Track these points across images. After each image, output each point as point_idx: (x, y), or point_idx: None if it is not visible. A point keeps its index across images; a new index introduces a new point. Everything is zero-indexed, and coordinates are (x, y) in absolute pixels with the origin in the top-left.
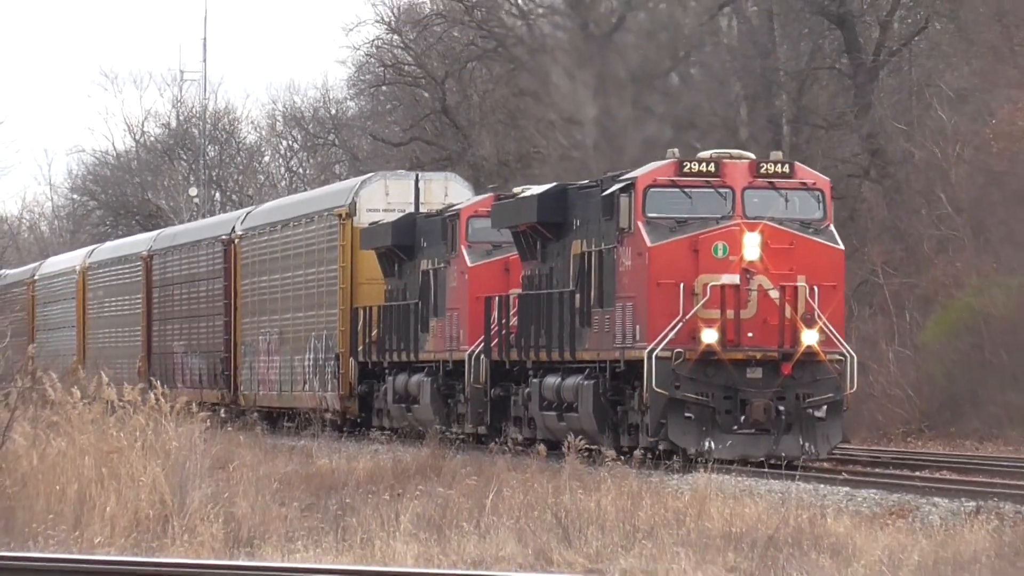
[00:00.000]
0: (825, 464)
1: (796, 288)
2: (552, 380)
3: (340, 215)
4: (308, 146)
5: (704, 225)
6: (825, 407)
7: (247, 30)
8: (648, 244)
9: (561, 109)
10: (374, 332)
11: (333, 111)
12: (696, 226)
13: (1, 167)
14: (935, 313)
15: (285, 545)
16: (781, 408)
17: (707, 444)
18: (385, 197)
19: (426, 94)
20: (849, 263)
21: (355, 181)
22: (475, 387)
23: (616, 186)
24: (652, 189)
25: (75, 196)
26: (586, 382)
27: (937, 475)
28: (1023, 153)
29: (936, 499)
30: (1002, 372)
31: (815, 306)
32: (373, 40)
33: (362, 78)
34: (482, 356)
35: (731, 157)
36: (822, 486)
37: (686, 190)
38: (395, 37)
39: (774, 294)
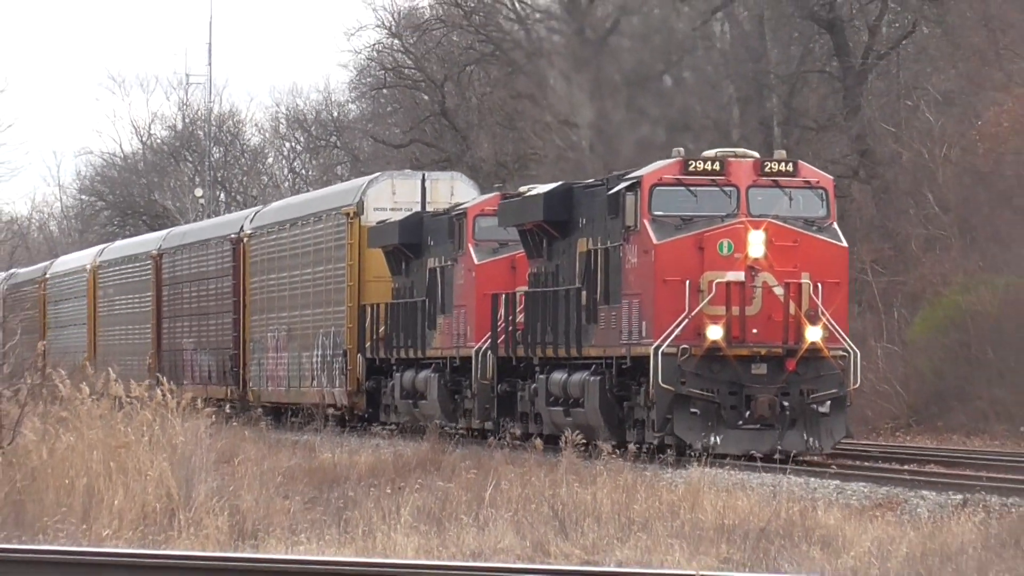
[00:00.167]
0: (815, 458)
1: (800, 285)
2: (558, 376)
3: (348, 214)
4: (311, 148)
5: (709, 223)
6: (829, 402)
7: (251, 35)
8: (654, 242)
9: (557, 111)
10: (381, 329)
11: (335, 114)
12: (701, 224)
13: (11, 168)
14: (923, 310)
15: (289, 537)
16: (785, 404)
17: (712, 439)
18: (392, 196)
19: (426, 97)
20: None
21: (362, 181)
22: (482, 383)
23: (622, 185)
24: (658, 187)
25: (83, 197)
26: (592, 378)
27: (925, 469)
28: (1008, 154)
29: (924, 492)
30: (988, 368)
31: (819, 303)
32: (374, 44)
33: (363, 81)
34: (489, 352)
35: (736, 156)
36: (813, 479)
37: (691, 188)
38: (395, 41)
39: (778, 291)
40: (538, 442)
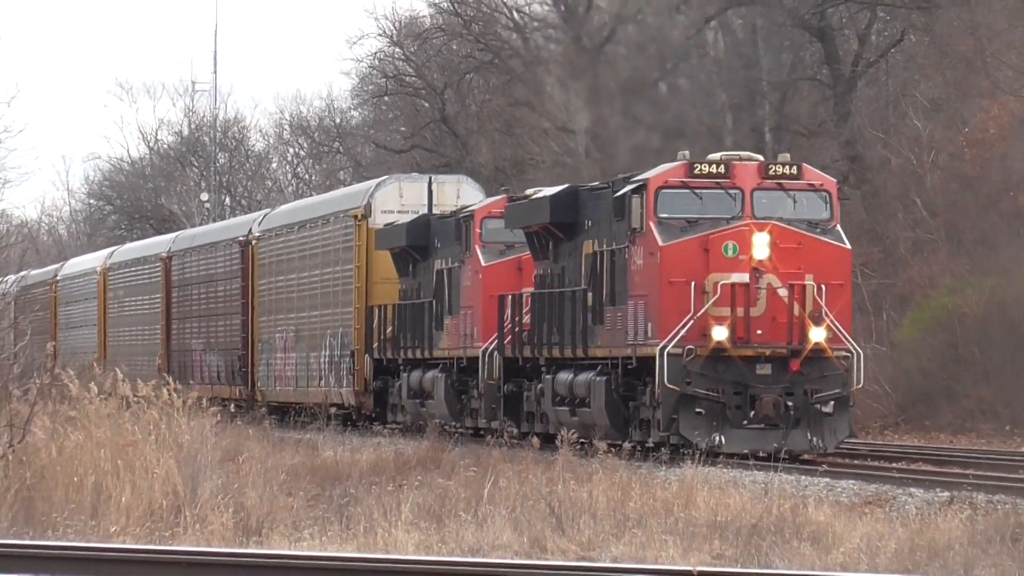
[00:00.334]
0: (806, 456)
1: (804, 286)
2: (565, 376)
3: (355, 216)
4: (314, 153)
5: (714, 225)
6: (833, 402)
7: (256, 43)
8: (660, 244)
9: (554, 118)
10: (389, 330)
11: (337, 120)
12: (706, 226)
13: (22, 173)
14: (911, 312)
15: (292, 534)
16: (790, 403)
17: (717, 439)
18: (399, 199)
19: (426, 104)
20: None
21: (370, 184)
22: (488, 383)
23: (628, 187)
24: (664, 190)
25: (92, 201)
26: (598, 378)
27: (913, 467)
28: (995, 159)
29: (912, 489)
30: (975, 368)
31: (823, 304)
32: (376, 53)
33: (365, 89)
34: (495, 353)
35: (740, 159)
36: (803, 477)
37: (696, 191)
38: (397, 50)
39: (783, 292)
40: (535, 440)
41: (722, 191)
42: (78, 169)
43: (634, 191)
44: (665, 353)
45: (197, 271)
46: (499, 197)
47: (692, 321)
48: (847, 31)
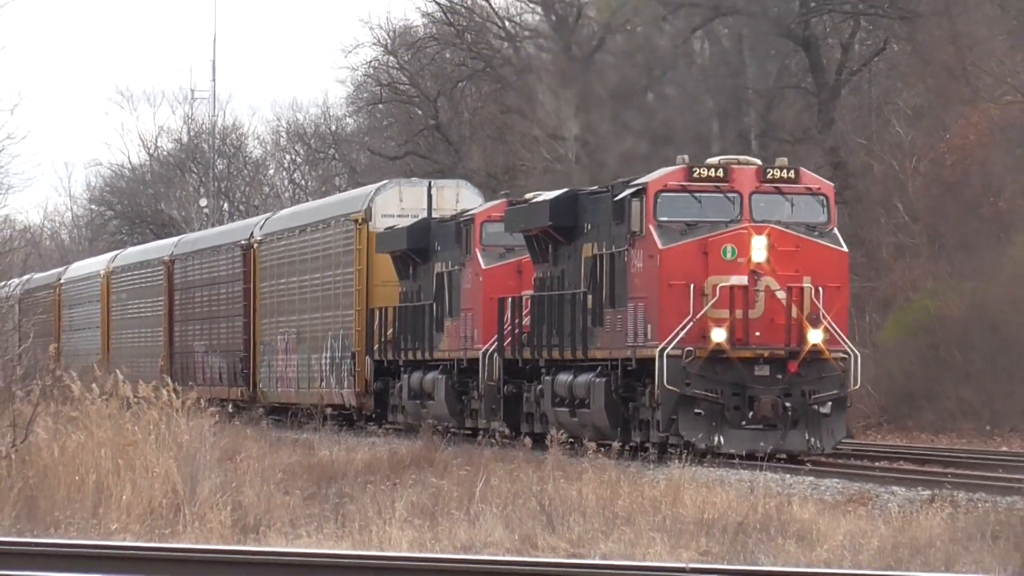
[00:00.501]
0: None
1: (802, 289)
2: (564, 377)
3: (356, 220)
4: (310, 160)
5: (713, 228)
6: (830, 403)
7: (253, 52)
8: (659, 246)
9: (545, 125)
10: (390, 332)
11: (333, 127)
12: (705, 229)
13: (25, 179)
14: (893, 315)
15: (289, 531)
16: (788, 404)
17: (716, 439)
18: (399, 203)
19: (420, 111)
20: None
21: (371, 188)
22: (489, 384)
23: (628, 191)
24: (663, 193)
25: (93, 206)
26: (598, 379)
27: (895, 466)
28: (975, 165)
29: (894, 488)
30: (955, 369)
31: (820, 306)
32: (370, 61)
33: (360, 96)
34: (495, 355)
35: (739, 163)
36: (788, 476)
37: (695, 195)
38: (391, 58)
39: (781, 295)
40: (527, 440)
41: (721, 195)
42: (80, 175)
43: (634, 195)
44: (664, 355)
45: (199, 274)
46: (499, 201)
47: (691, 323)
48: (831, 40)
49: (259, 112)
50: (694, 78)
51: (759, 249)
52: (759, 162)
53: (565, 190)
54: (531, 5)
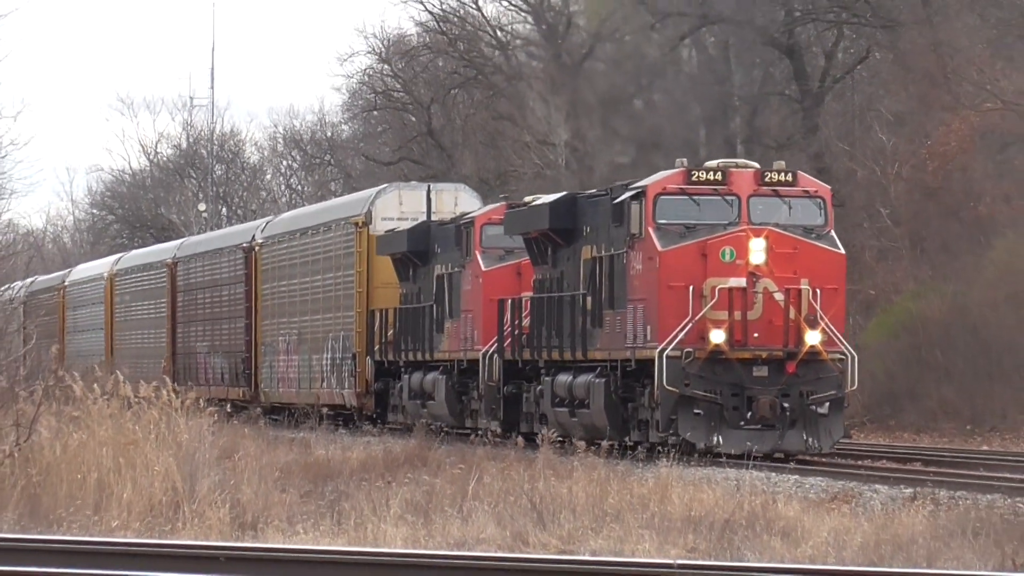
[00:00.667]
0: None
1: (800, 291)
2: (564, 378)
3: (357, 223)
4: (306, 165)
5: (712, 231)
6: (827, 404)
7: (251, 60)
8: (659, 249)
9: (536, 131)
10: (390, 333)
11: (329, 133)
12: (704, 232)
13: (28, 184)
14: (876, 316)
15: (286, 528)
16: (786, 405)
17: (715, 439)
18: (399, 206)
19: (413, 118)
20: None
21: (371, 192)
22: (489, 385)
23: (627, 194)
24: (662, 196)
25: (94, 211)
26: (597, 380)
27: (878, 464)
28: (956, 171)
29: (877, 486)
30: (937, 370)
31: (818, 308)
32: (365, 69)
33: (355, 103)
34: (495, 355)
35: (737, 166)
36: (773, 474)
37: (694, 197)
38: (385, 66)
39: (779, 296)
40: (519, 439)
41: (719, 197)
42: (81, 180)
43: (633, 198)
44: (664, 356)
45: (202, 276)
46: (498, 204)
47: (690, 324)
48: (815, 48)
49: (256, 119)
50: (681, 85)
51: (757, 251)
52: (757, 165)
53: (564, 193)
54: (522, 14)
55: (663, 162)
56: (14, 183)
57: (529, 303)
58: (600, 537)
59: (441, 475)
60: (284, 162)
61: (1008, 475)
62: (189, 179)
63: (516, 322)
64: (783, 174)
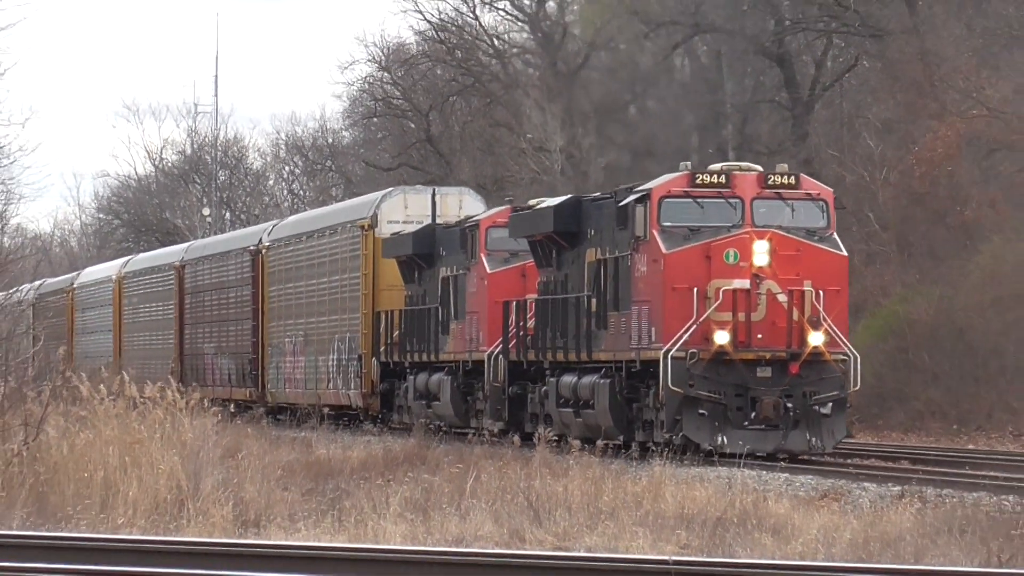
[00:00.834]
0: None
1: (803, 292)
2: (569, 379)
3: (363, 226)
4: (308, 171)
5: (716, 233)
6: (830, 404)
7: (254, 68)
8: (663, 251)
9: (532, 138)
10: (395, 334)
11: (330, 140)
12: (708, 234)
13: (36, 189)
14: (865, 319)
15: (288, 525)
16: (789, 405)
17: (720, 439)
18: (404, 210)
19: (412, 125)
20: None
21: (377, 195)
22: (494, 385)
23: (632, 197)
24: (667, 199)
25: (101, 216)
26: (602, 381)
27: (866, 463)
28: (942, 177)
29: (865, 484)
30: (924, 371)
31: (820, 309)
32: (365, 77)
33: (355, 110)
34: (500, 356)
35: (740, 169)
36: (764, 473)
37: (698, 200)
38: (385, 74)
39: (782, 298)
40: (516, 439)
41: (723, 200)
42: (88, 185)
43: (638, 200)
44: (669, 356)
45: (209, 279)
46: (503, 207)
47: (695, 326)
48: (805, 57)
49: (259, 125)
50: (674, 93)
51: (761, 253)
52: (760, 168)
53: (568, 197)
54: (519, 24)
55: (656, 168)
56: (23, 188)
57: (534, 305)
58: (595, 534)
59: (440, 474)
60: (286, 168)
61: (993, 473)
62: (193, 184)
63: (521, 323)
64: (786, 177)
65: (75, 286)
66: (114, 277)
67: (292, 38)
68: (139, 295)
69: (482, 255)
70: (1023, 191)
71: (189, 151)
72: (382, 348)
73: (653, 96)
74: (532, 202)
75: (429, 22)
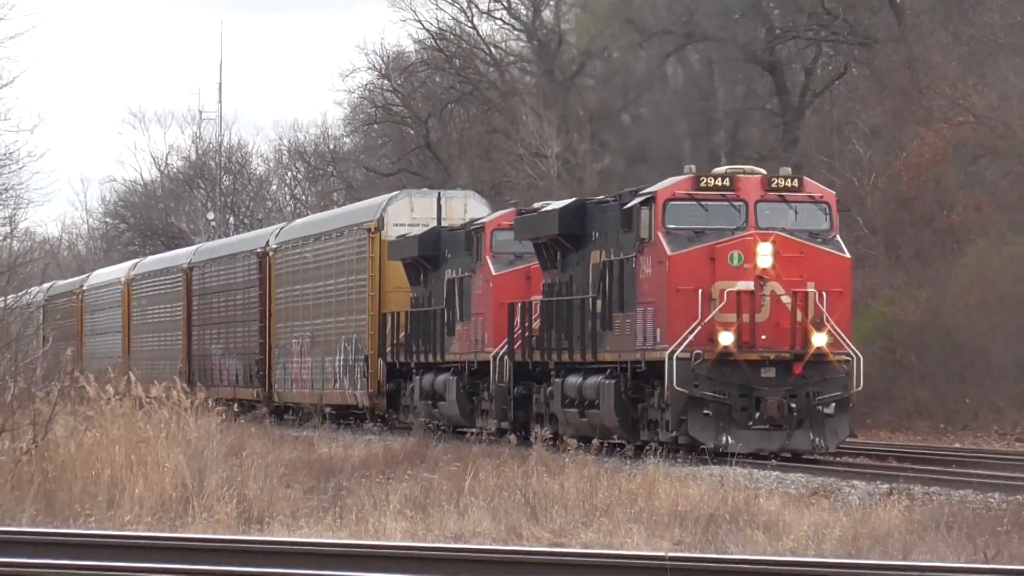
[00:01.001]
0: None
1: (806, 294)
2: (574, 379)
3: (369, 229)
4: (310, 176)
5: (720, 235)
6: (834, 404)
7: (257, 76)
8: (668, 253)
9: (528, 144)
10: (401, 335)
11: (331, 146)
12: (712, 236)
13: (44, 194)
14: (853, 321)
15: (291, 522)
16: (793, 405)
17: (724, 439)
18: (410, 213)
19: (412, 131)
20: None
21: (383, 198)
22: (499, 386)
23: (636, 200)
24: (671, 202)
25: (108, 220)
26: (607, 381)
27: (856, 461)
28: (929, 182)
29: (855, 482)
30: (911, 372)
31: (824, 310)
32: (366, 84)
33: (356, 117)
34: (506, 357)
35: (744, 172)
36: (756, 471)
37: (703, 203)
38: (385, 82)
39: (786, 299)
40: (512, 437)
41: (727, 203)
42: (95, 190)
43: (643, 203)
44: (674, 357)
45: (217, 281)
46: (508, 210)
47: (699, 327)
48: (795, 65)
49: (262, 132)
50: (667, 100)
51: (765, 255)
52: (763, 171)
53: (573, 200)
54: (516, 33)
55: (650, 173)
56: (31, 193)
57: (539, 306)
58: (590, 530)
59: (439, 472)
60: (289, 173)
61: (979, 471)
62: (198, 189)
63: (526, 325)
64: (789, 180)
65: (85, 288)
66: (123, 279)
67: (294, 47)
68: (148, 297)
69: (487, 257)
70: (1008, 196)
71: (194, 157)
72: (388, 349)
73: (647, 103)
74: (537, 205)
75: (428, 31)
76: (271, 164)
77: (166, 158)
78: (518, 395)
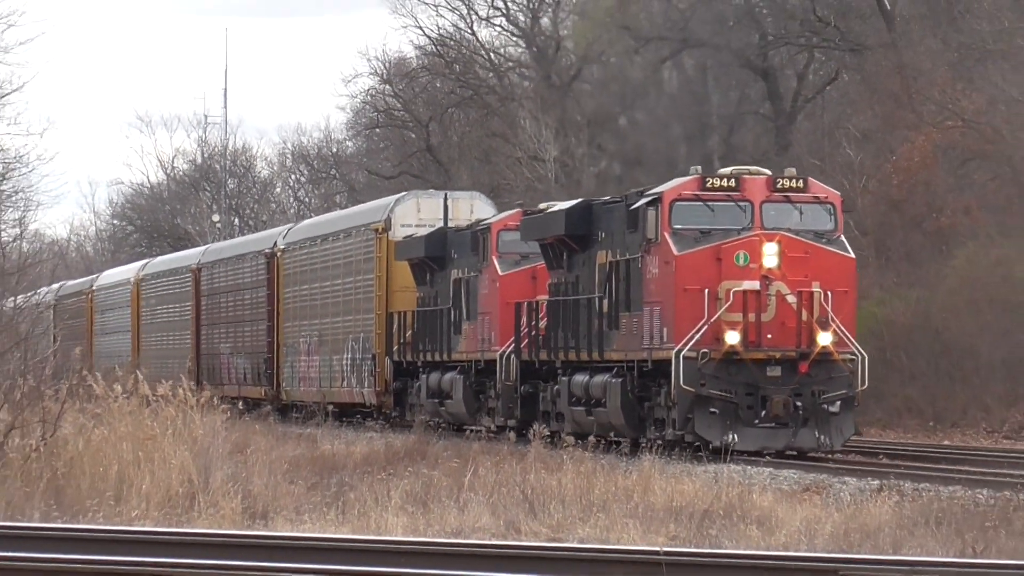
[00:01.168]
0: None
1: (812, 293)
2: (581, 378)
3: (376, 230)
4: (313, 179)
5: (726, 236)
6: (839, 402)
7: (261, 81)
8: (675, 253)
9: (527, 148)
10: (408, 334)
11: (334, 149)
12: (719, 236)
13: (53, 196)
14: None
15: (294, 517)
16: (798, 404)
17: (731, 437)
18: (417, 214)
19: (413, 135)
20: None
21: (390, 199)
22: (506, 384)
23: (643, 200)
24: (678, 202)
25: (115, 221)
26: (614, 380)
27: (847, 458)
28: (919, 185)
29: (846, 478)
30: (902, 371)
31: (829, 310)
32: (368, 89)
33: (358, 121)
34: (512, 356)
35: (750, 173)
36: (749, 467)
37: (709, 203)
38: (386, 87)
39: (791, 299)
40: (511, 434)
41: (733, 203)
42: (103, 193)
43: (649, 204)
44: (681, 356)
45: (225, 281)
46: (514, 211)
47: (706, 326)
48: (788, 71)
49: (266, 136)
50: (663, 105)
51: (770, 255)
52: (769, 172)
53: (579, 200)
54: (514, 39)
55: (646, 176)
56: (40, 195)
57: (545, 306)
58: (587, 526)
59: (439, 468)
60: (292, 176)
61: (968, 468)
62: (203, 192)
63: (533, 324)
64: (794, 180)
65: (95, 288)
66: (132, 280)
67: (298, 53)
68: (157, 297)
69: (493, 257)
70: (996, 199)
71: (199, 160)
72: (395, 348)
73: (643, 108)
74: (543, 206)
75: (429, 37)
76: (275, 167)
77: (172, 161)
78: (524, 393)
